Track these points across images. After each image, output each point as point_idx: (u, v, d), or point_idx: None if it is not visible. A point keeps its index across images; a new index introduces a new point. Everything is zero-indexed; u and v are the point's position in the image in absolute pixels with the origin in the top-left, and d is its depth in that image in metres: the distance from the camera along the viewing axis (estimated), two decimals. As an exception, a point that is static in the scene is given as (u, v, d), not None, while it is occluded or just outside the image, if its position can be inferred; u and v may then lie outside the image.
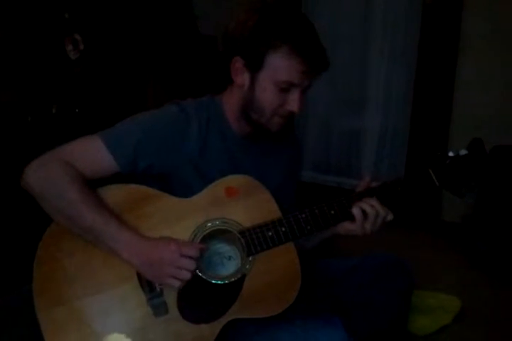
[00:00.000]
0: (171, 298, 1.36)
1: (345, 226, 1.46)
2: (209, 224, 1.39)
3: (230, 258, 1.45)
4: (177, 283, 1.33)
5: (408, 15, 3.27)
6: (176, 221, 1.39)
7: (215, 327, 1.36)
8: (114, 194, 1.40)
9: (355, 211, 1.42)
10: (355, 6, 3.47)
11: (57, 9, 2.66)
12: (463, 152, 1.46)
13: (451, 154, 1.46)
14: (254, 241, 1.38)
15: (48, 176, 1.35)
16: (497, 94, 2.94)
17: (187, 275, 1.32)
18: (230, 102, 1.49)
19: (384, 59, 3.41)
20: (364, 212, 1.42)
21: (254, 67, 1.39)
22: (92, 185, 1.39)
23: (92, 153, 1.40)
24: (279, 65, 1.37)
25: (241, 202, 1.41)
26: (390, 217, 1.44)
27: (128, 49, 2.94)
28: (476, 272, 2.64)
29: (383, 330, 1.51)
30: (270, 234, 1.39)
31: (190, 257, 1.32)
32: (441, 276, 2.54)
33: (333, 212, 1.42)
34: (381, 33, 3.41)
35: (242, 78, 1.43)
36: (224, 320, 1.37)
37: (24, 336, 1.46)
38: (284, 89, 1.39)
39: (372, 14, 3.43)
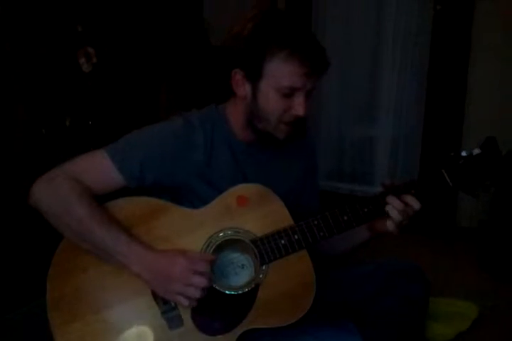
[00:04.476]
0: (185, 311, 1.36)
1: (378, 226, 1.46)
2: (221, 234, 1.39)
3: (243, 266, 1.44)
4: (185, 302, 1.31)
5: (419, 22, 3.29)
6: (188, 232, 1.38)
7: (230, 338, 1.35)
8: (124, 207, 1.40)
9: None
10: (367, 15, 3.50)
11: (70, 22, 2.69)
12: (476, 151, 1.44)
13: (464, 154, 1.44)
14: (267, 250, 1.38)
15: (55, 193, 1.35)
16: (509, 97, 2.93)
17: (196, 294, 1.30)
18: (235, 113, 1.49)
19: (395, 66, 3.43)
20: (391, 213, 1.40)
21: (254, 76, 1.39)
22: (101, 198, 1.39)
23: (99, 168, 1.41)
24: (279, 71, 1.35)
25: (253, 210, 1.40)
26: (417, 206, 1.41)
27: (140, 62, 2.96)
28: (493, 278, 2.62)
29: (400, 338, 1.49)
30: (283, 242, 1.38)
31: (201, 273, 1.31)
32: (458, 283, 2.52)
33: (346, 217, 1.40)
34: (392, 41, 3.43)
35: (244, 89, 1.42)
36: (239, 331, 1.36)
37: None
38: (287, 94, 1.37)
39: (384, 22, 3.46)
